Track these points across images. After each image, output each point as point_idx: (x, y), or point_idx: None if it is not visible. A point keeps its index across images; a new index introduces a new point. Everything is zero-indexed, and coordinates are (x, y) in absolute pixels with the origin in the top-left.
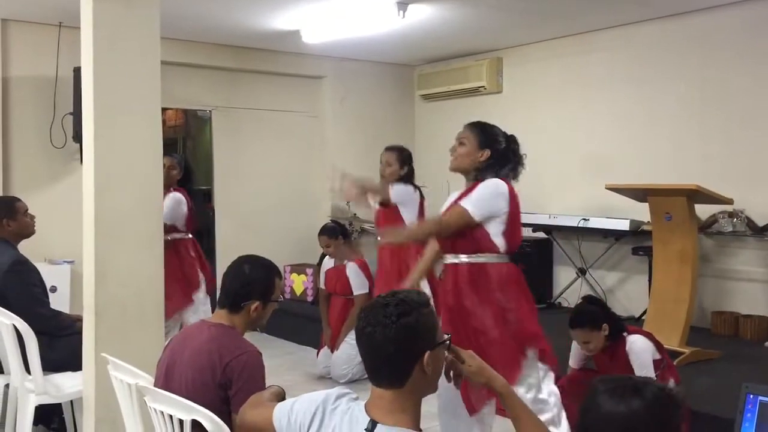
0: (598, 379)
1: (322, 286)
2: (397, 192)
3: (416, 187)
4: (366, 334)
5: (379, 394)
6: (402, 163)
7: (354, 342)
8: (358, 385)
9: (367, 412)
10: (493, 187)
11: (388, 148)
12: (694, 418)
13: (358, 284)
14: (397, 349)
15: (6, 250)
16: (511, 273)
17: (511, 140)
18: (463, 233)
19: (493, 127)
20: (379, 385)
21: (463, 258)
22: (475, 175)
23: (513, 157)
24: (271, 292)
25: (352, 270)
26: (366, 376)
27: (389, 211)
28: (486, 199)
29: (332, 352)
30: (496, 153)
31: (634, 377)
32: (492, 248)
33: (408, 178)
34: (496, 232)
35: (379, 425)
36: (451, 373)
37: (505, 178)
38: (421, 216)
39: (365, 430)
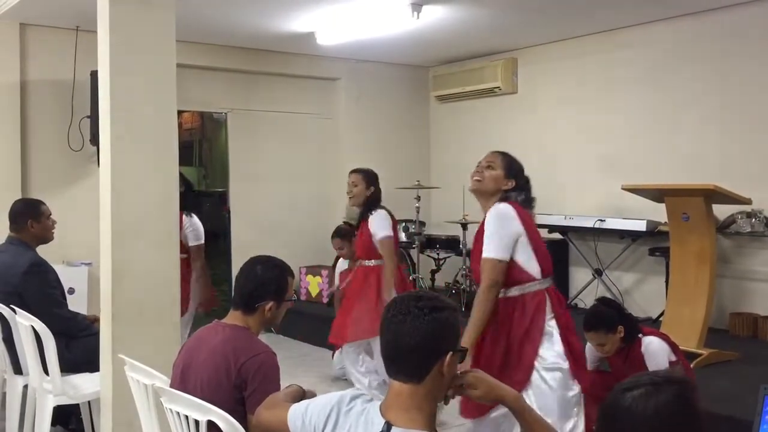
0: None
1: (337, 284)
2: (376, 222)
3: (388, 211)
4: (395, 322)
5: (396, 391)
6: (368, 184)
7: None
8: None
9: (382, 414)
10: (495, 216)
11: (354, 171)
12: (712, 420)
13: None
14: (425, 341)
15: (25, 252)
16: (542, 301)
17: (527, 180)
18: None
19: (518, 160)
20: (398, 378)
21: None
22: (493, 202)
23: (527, 194)
24: (285, 292)
25: None
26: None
27: (365, 237)
28: (496, 233)
29: None
30: (517, 186)
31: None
32: (527, 277)
33: (375, 200)
34: (525, 258)
35: (394, 427)
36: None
37: (512, 201)
38: (396, 239)
39: None
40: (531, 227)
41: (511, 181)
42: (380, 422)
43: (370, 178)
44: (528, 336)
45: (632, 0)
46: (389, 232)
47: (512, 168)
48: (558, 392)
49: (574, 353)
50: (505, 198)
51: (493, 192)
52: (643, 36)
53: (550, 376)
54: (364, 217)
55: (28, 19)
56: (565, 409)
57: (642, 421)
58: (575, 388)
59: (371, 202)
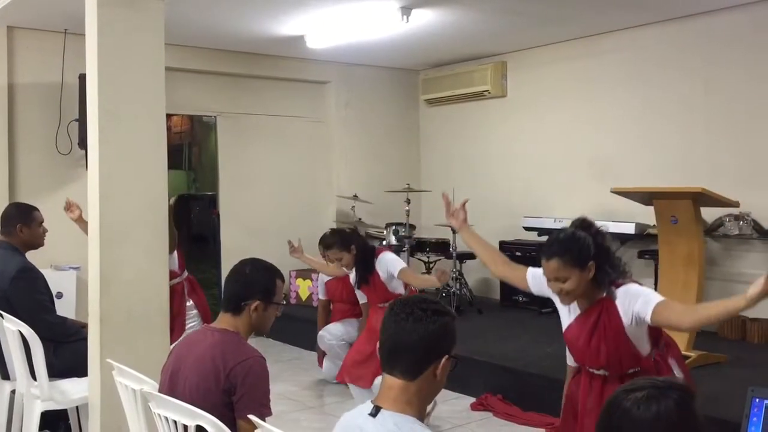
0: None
1: (321, 296)
2: (384, 265)
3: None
4: (397, 320)
5: (388, 385)
6: (347, 248)
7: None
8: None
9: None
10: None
11: (324, 246)
12: None
13: None
14: (423, 341)
15: (13, 257)
16: None
17: (595, 233)
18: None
19: (574, 235)
20: (392, 373)
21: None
22: (593, 295)
23: (609, 249)
24: (272, 293)
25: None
26: None
27: (379, 287)
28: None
29: None
30: (600, 262)
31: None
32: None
33: (366, 253)
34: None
35: (383, 410)
36: None
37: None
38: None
39: (369, 414)
40: None
41: (590, 268)
42: (368, 407)
43: (343, 242)
44: None
45: (619, 4)
46: (402, 263)
47: (580, 257)
48: None
49: None
50: (601, 282)
51: (586, 290)
52: (630, 40)
53: None
54: (370, 273)
55: (16, 22)
56: None
57: (641, 425)
58: None
59: (364, 258)
